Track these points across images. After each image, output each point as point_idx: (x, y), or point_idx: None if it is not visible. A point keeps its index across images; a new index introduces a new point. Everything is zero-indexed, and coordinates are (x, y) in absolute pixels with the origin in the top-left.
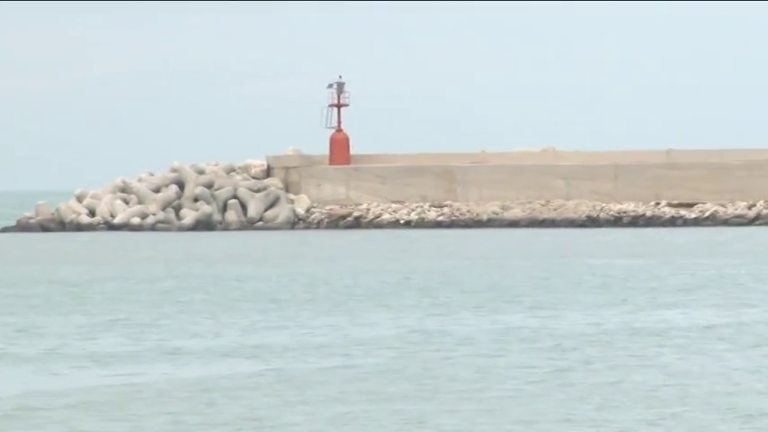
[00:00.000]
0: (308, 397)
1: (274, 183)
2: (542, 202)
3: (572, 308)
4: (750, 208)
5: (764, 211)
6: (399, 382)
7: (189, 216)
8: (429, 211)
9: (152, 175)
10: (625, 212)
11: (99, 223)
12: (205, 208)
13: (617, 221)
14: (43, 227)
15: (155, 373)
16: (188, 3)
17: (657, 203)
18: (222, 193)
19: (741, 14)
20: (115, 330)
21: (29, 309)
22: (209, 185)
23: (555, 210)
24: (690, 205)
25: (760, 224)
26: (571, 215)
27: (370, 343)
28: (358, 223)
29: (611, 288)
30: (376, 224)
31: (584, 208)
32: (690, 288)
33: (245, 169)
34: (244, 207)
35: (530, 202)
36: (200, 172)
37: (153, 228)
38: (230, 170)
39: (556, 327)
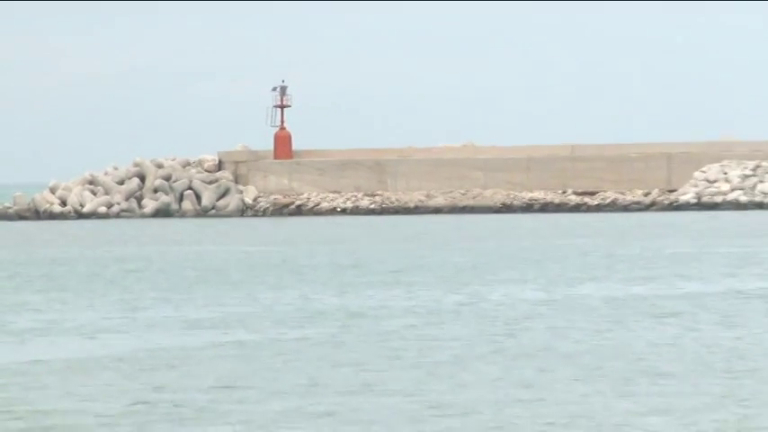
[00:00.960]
0: (276, 362)
1: (225, 175)
2: (462, 191)
3: (496, 284)
4: (646, 195)
5: (659, 198)
6: (356, 348)
7: (149, 205)
8: (362, 199)
9: (116, 168)
10: (536, 200)
11: (70, 212)
12: (164, 198)
13: (528, 208)
14: (20, 216)
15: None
16: (146, 8)
17: (564, 192)
18: (179, 185)
19: (638, 19)
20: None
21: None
22: (168, 178)
23: (473, 198)
24: (593, 193)
25: (655, 210)
26: (488, 203)
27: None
28: (299, 211)
29: (527, 266)
30: (315, 212)
31: (499, 196)
32: (594, 266)
33: (200, 163)
34: (198, 197)
35: (451, 192)
36: (159, 166)
37: (117, 216)
38: (186, 164)
39: (486, 300)
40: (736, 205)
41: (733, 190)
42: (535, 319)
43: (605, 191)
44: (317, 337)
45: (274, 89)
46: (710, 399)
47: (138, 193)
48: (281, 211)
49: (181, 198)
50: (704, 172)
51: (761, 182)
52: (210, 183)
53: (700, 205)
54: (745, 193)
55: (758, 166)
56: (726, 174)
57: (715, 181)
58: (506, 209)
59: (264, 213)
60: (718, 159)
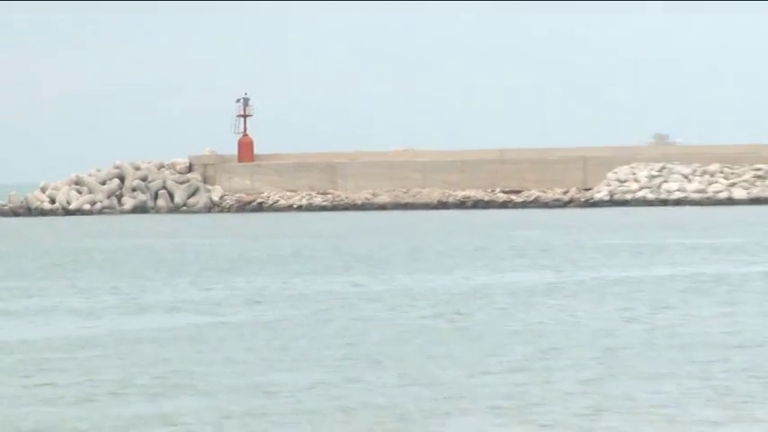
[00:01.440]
0: (236, 340)
1: (195, 176)
2: (404, 190)
3: (441, 271)
4: (565, 193)
5: (576, 196)
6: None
7: (128, 203)
8: (316, 197)
9: (99, 170)
10: (468, 198)
11: (58, 209)
12: (141, 196)
13: (461, 205)
14: (14, 212)
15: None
16: (122, 33)
17: (493, 191)
18: (154, 185)
19: (558, 31)
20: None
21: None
22: (144, 179)
23: (413, 196)
24: (518, 192)
25: (573, 206)
26: (426, 200)
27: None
28: (260, 208)
29: (461, 257)
30: (274, 208)
31: (436, 194)
32: (521, 254)
33: (172, 166)
34: (171, 195)
35: (394, 190)
36: (137, 168)
37: (100, 212)
38: (160, 167)
39: (430, 286)
40: (644, 202)
41: (641, 189)
42: (466, 301)
43: (529, 189)
44: (259, 318)
45: (238, 101)
46: (589, 371)
47: (119, 192)
48: (243, 207)
49: (156, 196)
50: (616, 173)
51: (665, 181)
52: (182, 183)
53: (612, 202)
54: (651, 192)
55: (663, 168)
56: (635, 174)
57: (625, 181)
58: (442, 206)
59: (229, 210)
60: (628, 162)
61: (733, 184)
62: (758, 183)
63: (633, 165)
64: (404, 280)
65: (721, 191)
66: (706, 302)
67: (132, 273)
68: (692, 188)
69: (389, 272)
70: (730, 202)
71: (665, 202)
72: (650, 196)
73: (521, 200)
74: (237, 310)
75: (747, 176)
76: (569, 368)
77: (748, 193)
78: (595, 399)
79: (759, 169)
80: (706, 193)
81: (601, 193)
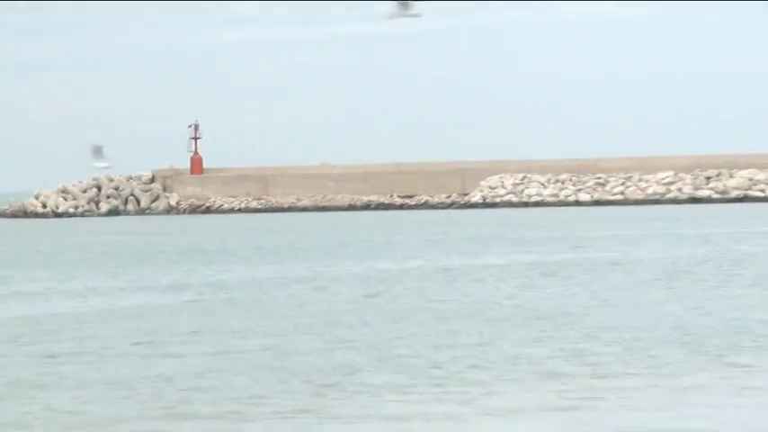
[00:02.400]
0: (190, 319)
1: (156, 186)
2: (321, 196)
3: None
4: (447, 198)
5: (456, 200)
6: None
7: (104, 207)
8: (252, 202)
9: (81, 182)
10: (372, 201)
11: (48, 212)
12: (114, 202)
13: (366, 207)
14: (14, 215)
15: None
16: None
17: (391, 196)
18: (124, 193)
19: (441, 63)
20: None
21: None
22: (116, 188)
23: (329, 201)
24: (411, 197)
25: (454, 208)
26: (339, 203)
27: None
28: (208, 210)
29: (374, 248)
30: (219, 211)
31: (346, 199)
32: (423, 246)
33: (138, 178)
34: (138, 201)
35: (313, 196)
36: (111, 180)
37: (82, 215)
38: (129, 178)
39: (350, 271)
40: (510, 204)
41: (507, 194)
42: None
43: (420, 195)
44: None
45: (190, 126)
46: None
47: (96, 199)
48: (195, 210)
49: (126, 202)
50: (488, 181)
51: (526, 188)
52: (146, 191)
53: (485, 204)
54: (515, 196)
55: (524, 177)
56: (503, 182)
57: (495, 187)
58: (351, 208)
59: (184, 212)
60: (497, 173)
61: (579, 190)
62: (599, 188)
63: (501, 175)
64: (325, 265)
65: (570, 195)
66: (555, 282)
67: (100, 263)
68: (548, 193)
69: (310, 260)
70: (577, 203)
71: (526, 204)
72: (515, 200)
73: (413, 203)
74: (200, 290)
75: (590, 183)
76: (456, 334)
77: (591, 197)
78: (479, 359)
79: (599, 178)
80: (558, 197)
81: (476, 197)
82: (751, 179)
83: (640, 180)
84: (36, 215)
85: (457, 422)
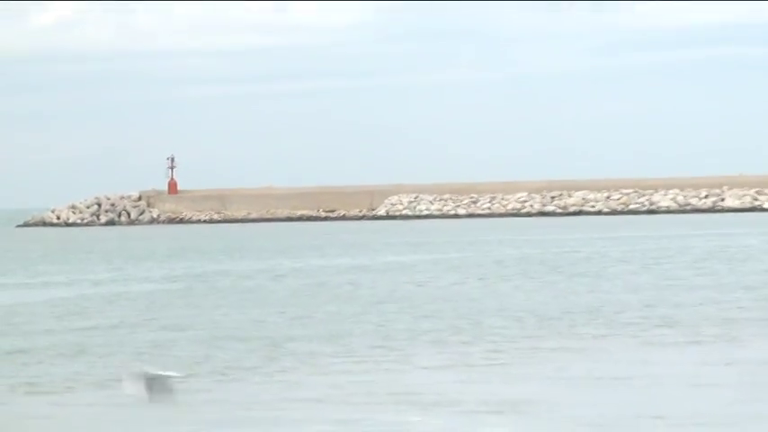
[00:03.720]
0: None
1: (142, 203)
2: (266, 210)
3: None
4: (360, 212)
5: (367, 213)
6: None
7: (103, 219)
8: (214, 215)
9: (86, 200)
10: (304, 215)
11: (61, 223)
12: (110, 215)
13: (299, 219)
14: (35, 224)
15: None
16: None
17: (318, 210)
18: (118, 208)
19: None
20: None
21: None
22: (112, 204)
23: (272, 214)
24: (333, 211)
25: (366, 219)
26: (279, 216)
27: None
28: (181, 221)
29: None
30: (189, 222)
31: (285, 213)
32: (317, 247)
33: (129, 197)
34: (128, 214)
35: (260, 211)
36: (108, 198)
37: (87, 225)
38: (122, 197)
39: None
40: (406, 217)
41: (404, 209)
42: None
43: (339, 210)
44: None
45: (168, 158)
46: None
47: (97, 212)
48: (171, 221)
49: (119, 215)
50: (390, 200)
51: (418, 205)
52: (135, 207)
53: (387, 217)
54: (410, 211)
55: (417, 197)
56: (401, 200)
57: (395, 204)
58: (288, 219)
59: (163, 223)
60: (396, 193)
61: (457, 206)
62: (472, 205)
63: (399, 195)
64: (269, 262)
65: (450, 210)
66: (453, 275)
67: (100, 259)
68: (434, 208)
69: (253, 258)
70: (456, 216)
71: (418, 217)
72: (410, 213)
73: (334, 216)
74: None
75: (466, 201)
76: (370, 314)
77: (466, 211)
78: (385, 332)
79: (473, 197)
80: (442, 211)
81: (381, 211)
82: (584, 198)
83: (503, 199)
84: (52, 225)
85: (383, 372)
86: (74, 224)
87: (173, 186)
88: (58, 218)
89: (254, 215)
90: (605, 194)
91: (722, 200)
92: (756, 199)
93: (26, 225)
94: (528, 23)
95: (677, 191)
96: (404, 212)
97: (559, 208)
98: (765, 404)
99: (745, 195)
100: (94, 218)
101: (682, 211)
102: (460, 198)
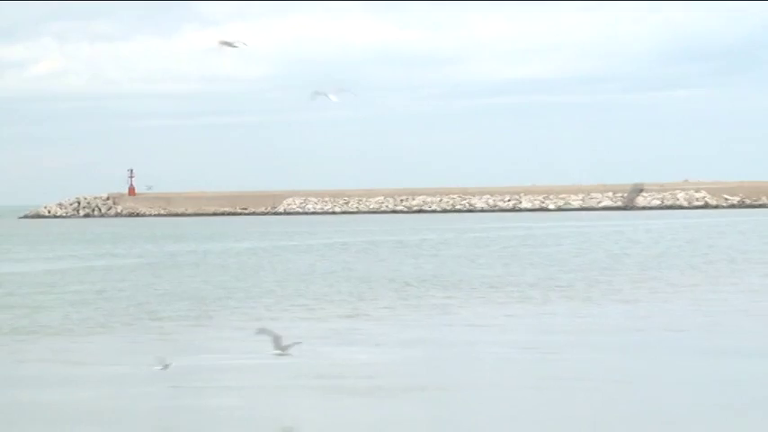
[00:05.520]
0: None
1: (110, 201)
2: (198, 207)
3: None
4: (266, 209)
5: (270, 211)
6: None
7: (81, 212)
8: (161, 210)
9: (68, 199)
10: (226, 211)
11: (51, 215)
12: (87, 210)
13: (223, 214)
14: (32, 216)
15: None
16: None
17: (236, 208)
18: (92, 204)
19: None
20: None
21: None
22: (89, 203)
23: (203, 210)
24: (246, 208)
25: (269, 215)
26: (208, 212)
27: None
28: (138, 215)
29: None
30: (143, 215)
31: (212, 209)
32: (256, 235)
33: (101, 197)
34: (100, 209)
35: (194, 207)
36: (85, 198)
37: (69, 217)
38: (95, 197)
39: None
40: (298, 213)
41: (297, 208)
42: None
43: (251, 207)
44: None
45: (128, 170)
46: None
47: (77, 208)
48: (130, 215)
49: (93, 210)
50: (287, 201)
51: (307, 205)
52: (104, 204)
53: (285, 213)
54: (301, 209)
55: (305, 199)
56: (295, 201)
57: (291, 204)
58: (215, 214)
59: (124, 216)
60: (291, 196)
61: (334, 206)
62: (344, 205)
63: (293, 197)
64: (205, 245)
65: (328, 208)
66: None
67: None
68: (317, 207)
69: (193, 242)
70: (333, 213)
71: (306, 213)
72: (300, 211)
73: (247, 212)
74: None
75: (341, 202)
76: (266, 283)
77: (341, 209)
78: (296, 301)
79: (346, 200)
80: (322, 209)
81: (280, 209)
82: (423, 201)
83: (366, 200)
84: (44, 216)
85: (307, 322)
86: (60, 216)
87: (131, 190)
88: (49, 212)
89: (190, 211)
90: (438, 198)
91: (520, 203)
92: (543, 202)
93: (26, 217)
94: (383, 77)
95: (488, 196)
96: (296, 210)
97: (406, 208)
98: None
99: (535, 200)
100: (75, 212)
101: (491, 210)
102: (336, 200)
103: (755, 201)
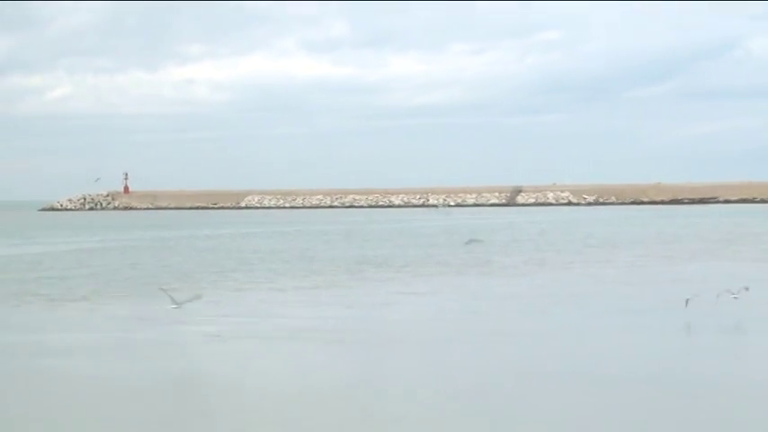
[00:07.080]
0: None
1: (109, 197)
2: (180, 203)
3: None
4: (232, 205)
5: (236, 206)
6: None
7: (87, 207)
8: (150, 205)
9: (77, 195)
10: (201, 206)
11: (62, 208)
12: (91, 204)
13: (198, 208)
14: (47, 210)
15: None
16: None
17: (208, 204)
18: (96, 200)
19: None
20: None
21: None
22: (92, 198)
23: (184, 204)
24: (216, 203)
25: (234, 209)
26: (188, 206)
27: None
28: (131, 209)
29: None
30: (136, 209)
31: (191, 204)
32: (227, 224)
33: (101, 195)
34: (101, 204)
35: (176, 203)
36: (90, 195)
37: (78, 210)
38: (98, 194)
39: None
40: (257, 207)
41: (257, 203)
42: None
43: (220, 203)
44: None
45: (124, 173)
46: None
47: (84, 203)
48: (125, 209)
49: (96, 204)
50: (248, 198)
51: (264, 200)
52: (105, 200)
53: (247, 207)
54: (260, 204)
55: (263, 197)
56: (255, 199)
57: (252, 201)
58: (193, 208)
59: (120, 210)
60: (251, 194)
61: (287, 202)
62: (292, 201)
63: (252, 195)
64: (189, 232)
65: (282, 204)
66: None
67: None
68: (273, 203)
69: (178, 229)
70: (284, 208)
71: (264, 208)
72: (258, 206)
73: (218, 207)
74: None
75: (290, 200)
76: (229, 261)
77: (290, 205)
78: (247, 282)
79: (294, 198)
80: (277, 205)
81: (243, 204)
82: (354, 198)
83: (309, 198)
84: (57, 209)
85: (275, 292)
86: (70, 209)
87: (126, 189)
88: (61, 206)
89: (173, 206)
90: (365, 196)
91: (428, 200)
92: (445, 200)
93: (43, 210)
94: (320, 102)
95: (404, 195)
96: (255, 205)
97: (340, 204)
98: None
99: (439, 197)
100: (81, 206)
101: (406, 206)
102: (287, 197)
103: (607, 199)
